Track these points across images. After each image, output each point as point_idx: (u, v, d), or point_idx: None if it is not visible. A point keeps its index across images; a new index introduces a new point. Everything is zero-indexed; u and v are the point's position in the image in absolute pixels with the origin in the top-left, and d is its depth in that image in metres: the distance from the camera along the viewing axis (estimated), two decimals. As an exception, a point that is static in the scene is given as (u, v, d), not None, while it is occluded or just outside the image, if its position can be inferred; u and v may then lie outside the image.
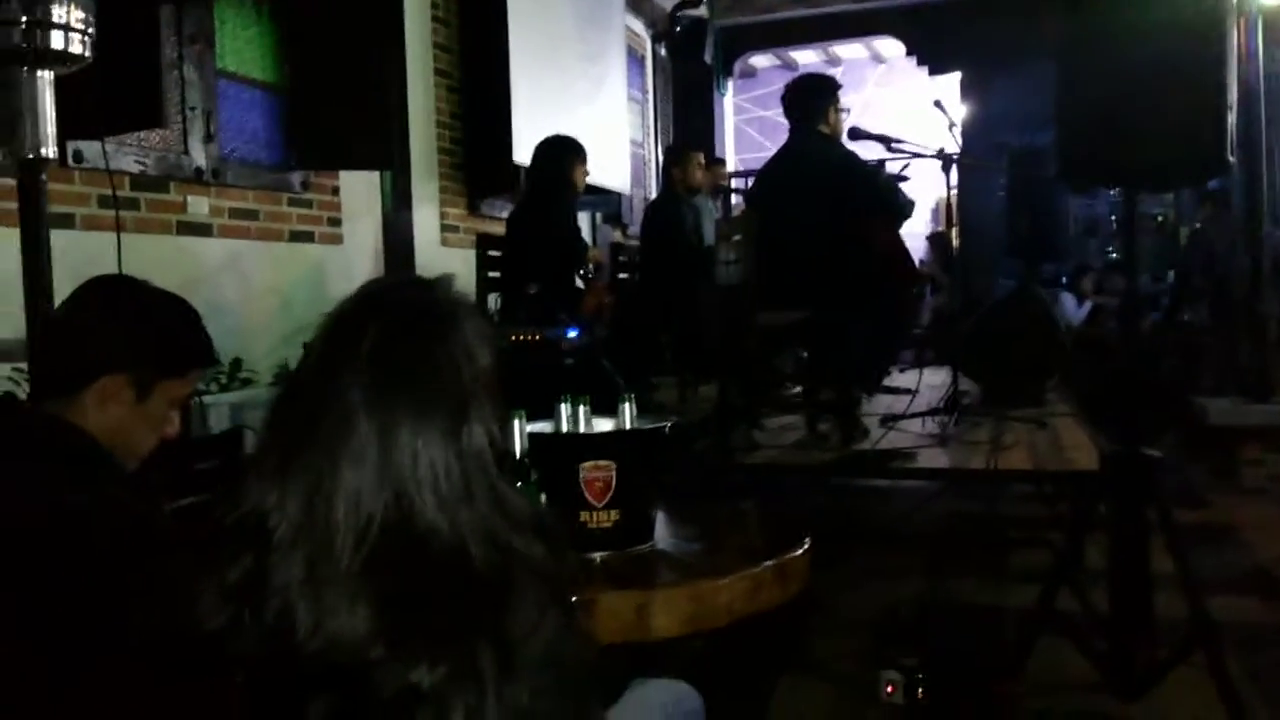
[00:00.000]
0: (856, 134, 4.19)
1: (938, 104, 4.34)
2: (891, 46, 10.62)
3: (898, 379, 5.14)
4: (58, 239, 2.08)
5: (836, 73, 10.78)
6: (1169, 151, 2.35)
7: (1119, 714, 2.46)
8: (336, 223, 4.57)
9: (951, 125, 4.40)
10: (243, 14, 4.22)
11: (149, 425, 1.43)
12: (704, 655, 2.23)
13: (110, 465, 1.38)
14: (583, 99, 6.77)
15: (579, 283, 4.42)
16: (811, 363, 4.21)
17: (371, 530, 0.89)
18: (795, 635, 3.08)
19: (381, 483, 0.90)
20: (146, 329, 1.42)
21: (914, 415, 4.05)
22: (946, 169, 4.22)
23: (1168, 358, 6.07)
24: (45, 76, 1.97)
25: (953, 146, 4.28)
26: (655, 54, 8.90)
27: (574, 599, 0.98)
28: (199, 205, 3.78)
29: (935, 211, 9.16)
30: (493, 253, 4.63)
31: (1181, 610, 2.31)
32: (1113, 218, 8.09)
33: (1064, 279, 7.82)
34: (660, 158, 7.83)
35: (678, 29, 8.88)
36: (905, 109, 10.05)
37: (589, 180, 4.69)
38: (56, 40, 1.93)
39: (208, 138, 3.85)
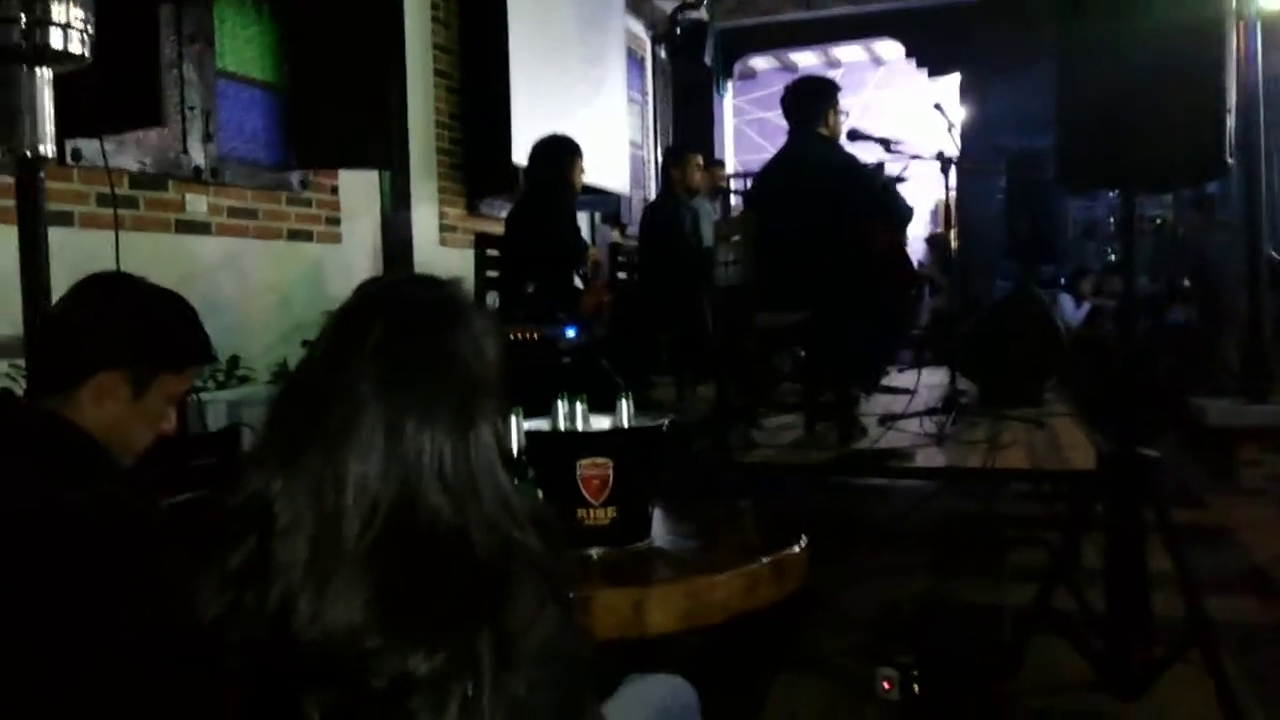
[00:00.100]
0: (856, 136, 4.20)
1: (937, 106, 4.35)
2: (891, 49, 10.63)
3: (896, 379, 5.14)
4: (56, 237, 2.09)
5: (836, 75, 10.79)
6: (1168, 154, 2.36)
7: (1115, 713, 2.47)
8: (335, 222, 4.58)
9: (950, 127, 4.40)
10: (242, 13, 4.23)
11: (146, 422, 1.43)
12: (700, 651, 2.23)
13: (107, 462, 1.38)
14: (582, 100, 6.78)
15: (578, 282, 4.42)
16: (810, 363, 4.21)
17: (379, 514, 0.90)
18: (792, 632, 3.09)
19: (387, 477, 0.91)
20: (143, 325, 1.42)
21: (912, 415, 4.06)
22: (945, 171, 4.22)
23: (1165, 359, 6.08)
24: (44, 74, 1.97)
25: (952, 149, 4.28)
26: (655, 55, 8.91)
27: (572, 594, 0.98)
28: (197, 204, 3.78)
29: (934, 213, 9.16)
30: (491, 252, 4.63)
31: (1178, 610, 2.32)
32: (1111, 220, 8.10)
33: (1062, 281, 7.83)
34: (659, 159, 7.84)
35: (678, 31, 8.88)
36: (905, 111, 10.06)
37: (588, 181, 4.70)
38: (56, 39, 1.93)
39: (207, 137, 3.85)
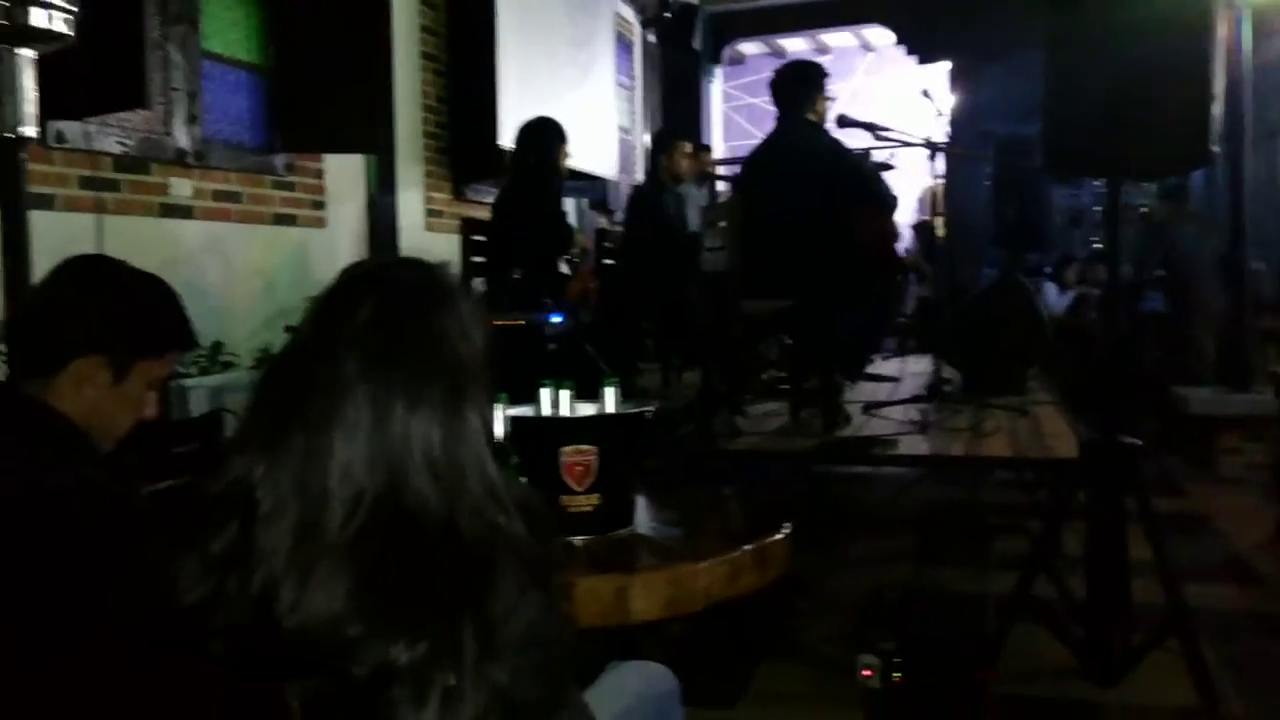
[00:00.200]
0: (844, 122, 4.19)
1: (925, 93, 4.35)
2: (881, 35, 10.62)
3: (881, 366, 5.16)
4: (37, 220, 2.08)
5: (826, 61, 10.74)
6: (1154, 143, 2.38)
7: (1095, 699, 2.49)
8: (320, 206, 4.55)
9: (939, 114, 4.41)
10: (228, -5, 4.19)
11: (126, 406, 1.42)
12: (683, 639, 2.24)
13: (87, 446, 1.37)
14: (570, 85, 6.75)
15: (565, 268, 4.41)
16: (796, 349, 4.22)
17: (363, 505, 0.89)
18: (775, 620, 3.10)
19: (374, 457, 0.90)
20: (123, 309, 1.41)
21: (896, 402, 4.07)
22: (933, 158, 4.23)
23: (1145, 347, 6.12)
24: (26, 55, 1.96)
25: (940, 135, 4.28)
26: (644, 40, 8.87)
27: (556, 581, 0.98)
28: (181, 187, 3.75)
29: (921, 201, 9.18)
30: (477, 237, 4.62)
31: (1158, 597, 2.34)
32: (1096, 208, 8.13)
33: (1047, 269, 7.86)
34: (648, 144, 7.82)
35: (667, 15, 8.85)
36: (894, 98, 10.06)
37: (575, 166, 4.68)
38: (38, 18, 1.91)
39: (191, 119, 3.82)
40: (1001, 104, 6.83)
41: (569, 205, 6.00)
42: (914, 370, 4.82)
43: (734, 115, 11.74)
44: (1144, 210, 6.79)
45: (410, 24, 5.30)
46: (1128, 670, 2.42)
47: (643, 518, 2.02)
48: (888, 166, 4.46)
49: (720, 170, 7.37)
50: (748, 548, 1.84)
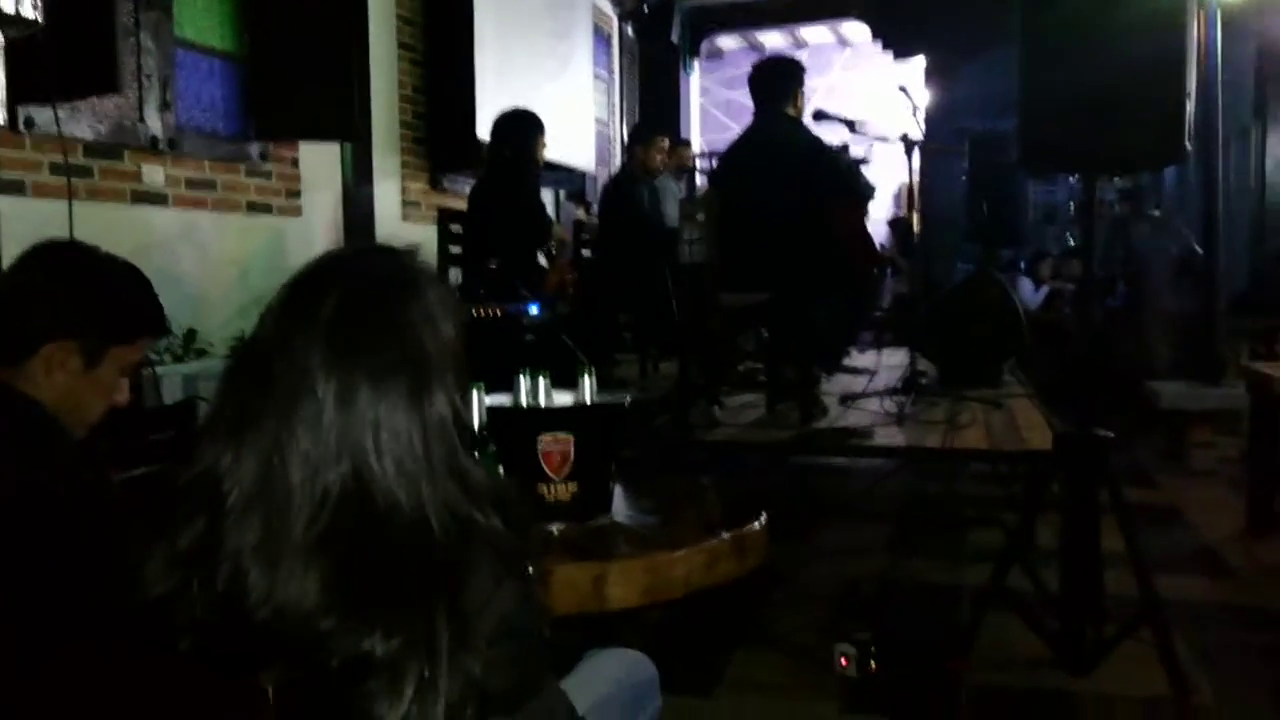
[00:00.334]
0: (821, 116, 4.20)
1: (902, 89, 4.36)
2: (857, 30, 10.65)
3: (857, 359, 5.18)
4: (7, 206, 2.05)
5: (802, 55, 10.79)
6: (1128, 139, 2.39)
7: (1068, 688, 2.51)
8: (295, 195, 4.52)
9: (915, 110, 4.42)
10: (201, -20, 4.15)
11: (98, 393, 1.41)
12: (660, 626, 2.24)
13: (59, 433, 1.36)
14: (548, 76, 6.72)
15: (542, 260, 4.40)
16: (772, 342, 4.23)
17: (328, 503, 0.89)
18: (752, 608, 3.11)
19: (340, 452, 0.90)
20: (95, 294, 1.39)
21: (872, 395, 4.09)
22: (909, 154, 4.24)
23: (1120, 342, 6.18)
24: (-6, 37, 1.93)
25: (916, 131, 4.30)
26: (622, 33, 8.85)
27: (530, 570, 0.98)
28: (154, 174, 3.71)
29: (897, 196, 9.22)
30: (454, 228, 4.60)
31: (1131, 588, 2.36)
32: (1071, 204, 8.19)
33: (1022, 264, 7.91)
34: (625, 137, 7.80)
35: (645, 8, 8.84)
36: (870, 93, 10.10)
37: (553, 158, 4.66)
38: (6, 3, 1.89)
39: (164, 106, 3.77)
40: (977, 100, 6.86)
41: (546, 197, 5.98)
42: (890, 363, 4.84)
43: (712, 109, 11.75)
44: (1117, 206, 6.86)
45: (387, 12, 5.27)
46: (1100, 660, 2.44)
47: (620, 507, 2.02)
48: (864, 161, 4.48)
49: (698, 164, 7.37)
50: (725, 536, 1.84)
